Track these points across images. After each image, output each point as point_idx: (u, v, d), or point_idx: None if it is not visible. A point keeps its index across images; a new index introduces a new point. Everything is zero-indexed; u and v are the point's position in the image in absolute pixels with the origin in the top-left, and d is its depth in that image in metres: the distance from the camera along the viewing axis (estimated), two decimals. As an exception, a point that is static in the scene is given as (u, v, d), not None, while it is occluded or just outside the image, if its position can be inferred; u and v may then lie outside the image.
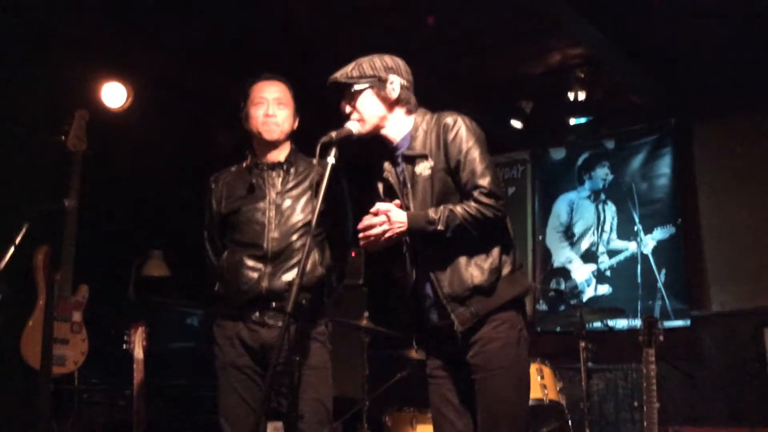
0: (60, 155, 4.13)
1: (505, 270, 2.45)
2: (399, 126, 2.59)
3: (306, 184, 2.97)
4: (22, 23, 4.32)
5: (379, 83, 2.54)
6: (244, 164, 3.04)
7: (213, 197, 3.01)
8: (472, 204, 2.38)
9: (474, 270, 2.40)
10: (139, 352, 3.75)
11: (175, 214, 5.14)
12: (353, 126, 2.53)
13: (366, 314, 4.45)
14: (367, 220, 2.45)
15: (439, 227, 2.38)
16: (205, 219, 3.05)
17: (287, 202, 2.93)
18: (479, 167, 2.41)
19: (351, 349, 4.78)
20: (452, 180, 2.46)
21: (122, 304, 5.03)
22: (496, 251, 2.44)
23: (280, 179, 2.96)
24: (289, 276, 2.82)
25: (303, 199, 2.95)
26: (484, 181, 2.39)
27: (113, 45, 4.67)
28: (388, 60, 2.58)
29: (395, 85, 2.54)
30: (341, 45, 4.85)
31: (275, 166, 2.98)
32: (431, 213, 2.40)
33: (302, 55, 4.86)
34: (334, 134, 2.46)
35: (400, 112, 2.58)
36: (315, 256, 2.91)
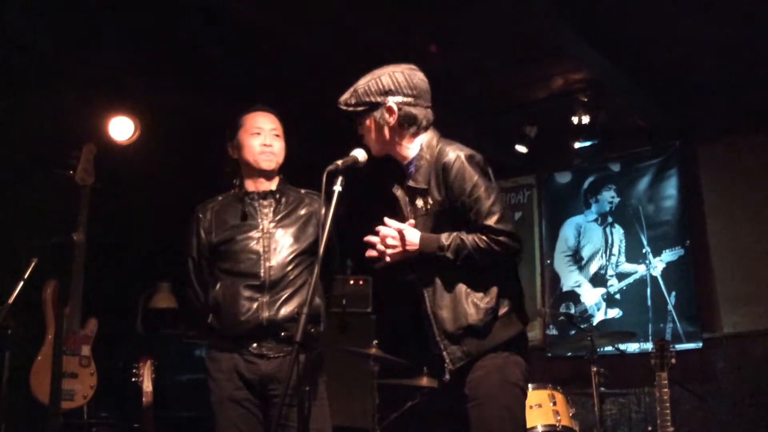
0: (68, 189, 4.15)
1: (502, 310, 2.37)
2: (406, 148, 2.54)
3: (296, 214, 2.98)
4: (29, 58, 4.38)
5: (376, 109, 2.49)
6: (233, 193, 3.04)
7: (200, 227, 2.98)
8: (483, 237, 2.34)
9: (469, 308, 2.35)
10: (147, 385, 3.74)
11: (183, 247, 5.15)
12: (359, 153, 2.52)
13: (374, 342, 4.42)
14: (381, 232, 2.43)
15: (449, 254, 2.36)
16: (190, 249, 3.01)
17: (280, 232, 2.93)
18: (485, 207, 2.35)
19: (360, 378, 4.74)
20: (453, 218, 2.41)
21: (131, 337, 5.02)
22: (494, 289, 2.37)
23: (272, 209, 2.97)
24: (290, 306, 2.82)
25: (294, 229, 2.95)
26: (491, 220, 2.34)
27: (120, 79, 4.73)
28: (385, 80, 2.50)
29: (393, 108, 2.47)
30: (346, 73, 4.89)
31: (266, 195, 2.99)
32: (443, 239, 2.38)
33: (307, 87, 4.90)
34: (340, 162, 2.45)
35: (405, 134, 2.52)
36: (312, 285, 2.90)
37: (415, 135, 2.53)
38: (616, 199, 5.98)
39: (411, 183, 2.50)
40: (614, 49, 4.69)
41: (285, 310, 2.82)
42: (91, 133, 4.59)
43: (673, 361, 3.87)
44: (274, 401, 2.78)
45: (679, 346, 5.17)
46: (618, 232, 5.93)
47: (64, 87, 4.56)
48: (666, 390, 3.77)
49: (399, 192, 2.58)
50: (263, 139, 2.99)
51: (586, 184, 6.16)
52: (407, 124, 2.50)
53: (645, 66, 4.99)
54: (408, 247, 2.42)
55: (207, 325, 2.89)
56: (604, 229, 6.00)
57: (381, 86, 2.49)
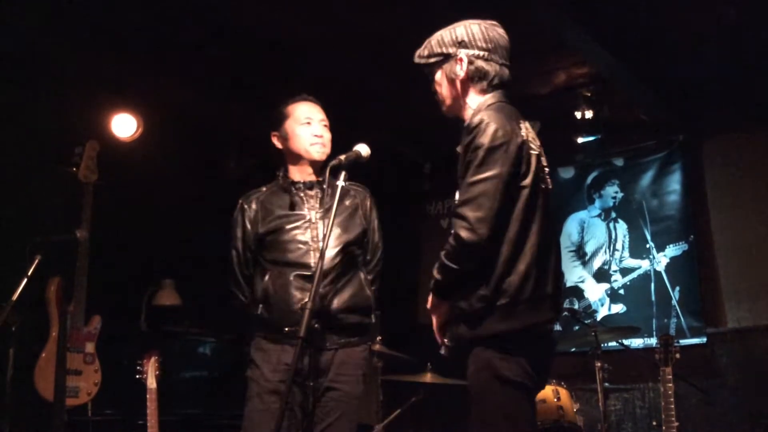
0: (71, 186, 4.16)
1: (501, 300, 2.17)
2: (469, 108, 2.38)
3: (343, 204, 2.95)
4: (33, 56, 4.38)
5: (447, 61, 2.38)
6: (276, 182, 3.01)
7: (245, 217, 2.94)
8: (441, 254, 2.21)
9: (467, 291, 2.20)
10: (152, 382, 3.74)
11: (186, 243, 5.16)
12: (362, 149, 2.52)
13: (378, 338, 4.42)
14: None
15: (437, 276, 2.27)
16: (234, 240, 2.97)
17: (326, 222, 2.87)
18: (466, 179, 2.18)
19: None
20: None
21: (135, 334, 5.03)
22: (494, 278, 2.18)
23: (318, 199, 2.94)
24: (342, 297, 2.81)
25: (341, 220, 2.92)
26: (459, 198, 2.19)
27: (123, 76, 4.72)
28: (460, 32, 2.38)
29: (464, 61, 2.35)
30: (348, 71, 4.89)
31: (312, 185, 2.97)
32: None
33: (310, 85, 4.89)
34: (342, 157, 2.46)
35: (473, 92, 2.38)
36: (361, 276, 2.91)
37: (483, 92, 2.38)
38: (620, 194, 5.97)
39: (458, 148, 2.35)
40: (617, 43, 4.67)
41: (338, 302, 2.80)
42: (94, 130, 4.60)
43: (678, 356, 3.86)
44: (319, 393, 2.77)
45: (684, 342, 5.16)
46: (621, 228, 5.91)
47: (68, 84, 4.56)
48: (670, 385, 3.76)
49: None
50: (314, 129, 2.97)
51: (589, 179, 6.14)
52: (477, 78, 2.37)
53: (649, 60, 4.97)
54: (430, 308, 2.35)
55: (255, 316, 2.85)
56: (608, 225, 5.99)
57: (454, 37, 2.38)
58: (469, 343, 2.23)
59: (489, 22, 2.44)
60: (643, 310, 5.65)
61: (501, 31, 2.44)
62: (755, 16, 4.46)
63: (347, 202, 2.98)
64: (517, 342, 2.20)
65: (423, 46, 2.46)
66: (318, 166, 2.99)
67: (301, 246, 2.85)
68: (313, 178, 2.98)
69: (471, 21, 2.41)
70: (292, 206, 2.91)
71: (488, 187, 2.16)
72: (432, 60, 2.42)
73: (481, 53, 2.36)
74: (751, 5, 4.34)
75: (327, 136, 3.00)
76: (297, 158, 2.98)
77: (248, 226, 2.93)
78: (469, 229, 2.13)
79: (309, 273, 2.79)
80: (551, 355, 2.40)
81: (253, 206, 2.96)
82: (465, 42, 2.36)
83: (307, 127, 2.97)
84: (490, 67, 2.37)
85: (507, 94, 2.42)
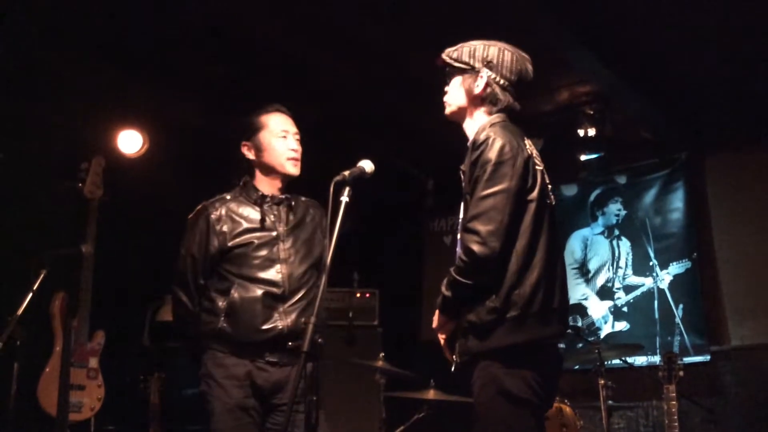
0: (77, 202, 4.19)
1: (512, 312, 2.18)
2: (475, 126, 2.43)
3: (305, 223, 2.94)
4: (39, 73, 4.42)
5: (470, 73, 2.44)
6: (248, 193, 2.92)
7: (210, 225, 2.83)
8: (451, 270, 2.22)
9: (476, 304, 2.21)
10: (154, 398, 3.75)
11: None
12: (366, 165, 2.52)
13: (381, 355, 4.41)
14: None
15: (445, 292, 2.28)
16: (191, 246, 2.84)
17: (293, 240, 2.88)
18: (470, 212, 2.21)
19: (366, 391, 4.73)
20: None
21: (138, 350, 5.03)
22: (505, 289, 2.19)
23: (286, 215, 2.91)
24: (305, 317, 2.80)
25: (306, 239, 2.90)
26: (470, 213, 2.20)
27: (129, 93, 4.76)
28: (492, 52, 2.43)
29: (483, 80, 2.41)
30: (348, 85, 4.91)
31: (281, 201, 2.93)
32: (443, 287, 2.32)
33: (315, 99, 4.93)
34: (347, 173, 2.44)
35: (481, 110, 2.44)
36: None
37: (490, 113, 2.44)
38: (623, 212, 5.98)
39: (462, 166, 2.39)
40: (620, 61, 4.70)
41: (305, 319, 2.79)
42: (100, 146, 4.63)
43: (681, 373, 3.86)
44: (279, 409, 2.76)
45: (687, 359, 5.13)
46: (625, 245, 5.92)
47: (74, 100, 4.60)
48: (674, 403, 3.76)
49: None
50: (290, 143, 2.92)
51: (592, 197, 6.16)
52: (489, 101, 2.44)
53: (651, 78, 5.00)
54: (436, 327, 2.37)
55: (213, 329, 2.76)
56: (611, 242, 5.99)
57: (486, 54, 2.43)
58: (477, 357, 2.23)
59: (522, 53, 2.50)
60: (646, 328, 5.63)
61: (530, 67, 2.50)
62: (758, 36, 4.49)
63: (308, 219, 2.95)
64: (524, 356, 2.21)
65: (455, 48, 2.51)
66: (287, 181, 2.96)
67: (270, 263, 2.80)
68: (280, 192, 2.94)
69: (506, 46, 2.48)
70: (263, 221, 2.85)
71: (498, 201, 2.20)
72: (456, 65, 2.48)
73: (503, 81, 2.43)
74: (754, 25, 4.37)
75: (300, 150, 2.96)
76: (269, 171, 2.93)
77: (213, 235, 2.82)
78: (481, 243, 2.16)
79: (278, 291, 2.77)
80: (559, 371, 2.40)
81: (218, 215, 2.85)
82: (493, 64, 2.42)
83: (284, 141, 2.91)
84: (504, 97, 2.44)
85: (511, 116, 2.49)
